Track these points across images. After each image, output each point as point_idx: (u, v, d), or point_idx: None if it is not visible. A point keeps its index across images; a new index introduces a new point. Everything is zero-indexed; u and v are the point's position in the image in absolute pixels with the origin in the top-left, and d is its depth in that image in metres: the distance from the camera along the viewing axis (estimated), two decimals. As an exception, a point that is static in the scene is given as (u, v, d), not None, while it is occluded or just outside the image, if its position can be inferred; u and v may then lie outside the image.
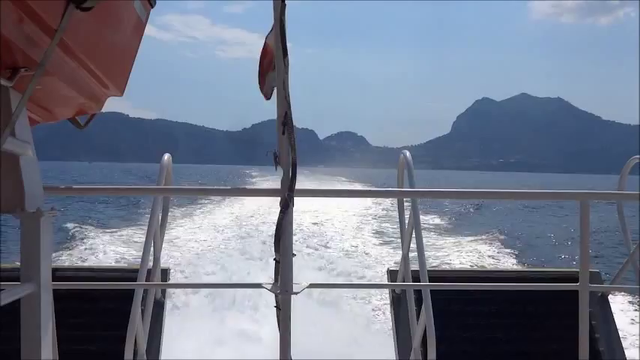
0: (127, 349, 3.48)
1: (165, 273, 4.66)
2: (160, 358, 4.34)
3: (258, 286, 2.78)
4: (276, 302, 2.62)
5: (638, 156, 4.62)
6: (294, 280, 2.63)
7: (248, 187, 3.19)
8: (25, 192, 1.78)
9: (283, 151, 2.54)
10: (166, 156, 4.17)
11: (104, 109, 2.55)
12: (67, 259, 17.71)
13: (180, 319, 10.15)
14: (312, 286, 2.84)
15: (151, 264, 4.11)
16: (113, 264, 16.15)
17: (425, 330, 3.54)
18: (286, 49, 2.41)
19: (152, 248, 4.10)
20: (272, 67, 2.49)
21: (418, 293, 4.03)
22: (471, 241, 24.01)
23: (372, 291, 12.77)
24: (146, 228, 3.98)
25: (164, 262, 4.80)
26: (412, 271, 4.40)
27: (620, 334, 4.77)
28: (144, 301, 3.90)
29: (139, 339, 3.72)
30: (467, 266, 18.12)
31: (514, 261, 20.81)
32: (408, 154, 4.31)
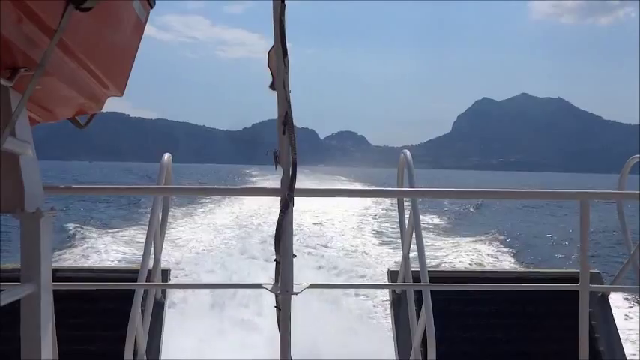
0: (127, 349, 3.48)
1: (165, 273, 4.67)
2: (160, 358, 4.34)
3: (259, 286, 2.79)
4: (276, 302, 2.62)
5: (637, 155, 4.61)
6: (294, 281, 2.63)
7: (248, 187, 3.20)
8: (25, 192, 1.78)
9: (283, 150, 2.54)
10: (166, 156, 4.17)
11: (104, 109, 2.55)
12: (69, 257, 17.78)
13: (181, 319, 10.15)
14: (312, 286, 2.84)
15: (151, 264, 4.11)
16: (113, 264, 16.16)
17: (425, 330, 3.54)
18: (286, 49, 2.41)
19: (152, 248, 4.10)
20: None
21: (418, 293, 4.03)
22: (470, 241, 24.04)
23: (372, 291, 12.77)
24: (146, 228, 3.98)
25: (164, 262, 4.80)
26: (412, 271, 4.40)
27: (620, 334, 4.77)
28: (144, 301, 3.91)
29: (139, 339, 3.72)
30: (466, 266, 18.14)
31: (512, 260, 20.93)
32: (408, 153, 4.31)
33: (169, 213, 4.64)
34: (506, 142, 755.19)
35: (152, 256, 4.16)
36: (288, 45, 2.42)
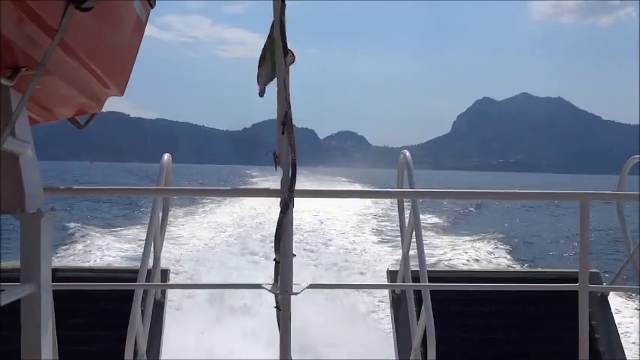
0: (127, 349, 3.48)
1: (165, 273, 4.67)
2: (160, 359, 4.34)
3: (258, 286, 2.79)
4: (276, 302, 2.62)
5: (637, 156, 4.62)
6: (294, 281, 2.63)
7: (248, 187, 3.20)
8: (25, 192, 1.77)
9: (283, 151, 2.54)
10: (166, 156, 4.17)
11: (105, 109, 2.55)
12: (72, 255, 17.92)
13: (181, 319, 10.15)
14: (312, 286, 2.84)
15: (151, 264, 4.11)
16: (116, 262, 16.21)
17: (425, 330, 3.54)
18: (287, 49, 2.41)
19: (152, 248, 4.10)
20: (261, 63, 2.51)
21: (418, 293, 4.03)
22: (468, 240, 24.14)
23: (372, 291, 12.77)
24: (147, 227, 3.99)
25: (165, 262, 4.80)
26: (412, 271, 4.40)
27: (620, 334, 4.77)
28: (144, 301, 3.90)
29: (139, 339, 3.72)
30: (465, 265, 18.20)
31: (510, 257, 21.14)
32: (407, 154, 4.31)
33: (169, 213, 4.64)
34: (506, 141, 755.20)
35: (152, 255, 4.16)
36: (288, 44, 2.42)
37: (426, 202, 35.46)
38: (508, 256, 21.30)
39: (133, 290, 3.70)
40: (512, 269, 15.12)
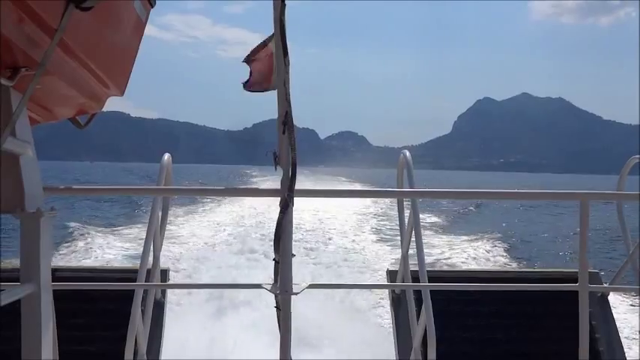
0: (127, 349, 3.48)
1: (165, 273, 4.67)
2: (160, 359, 4.34)
3: (258, 286, 2.79)
4: (276, 302, 2.62)
5: (637, 156, 4.62)
6: (294, 281, 2.63)
7: (248, 187, 3.19)
8: (25, 192, 1.78)
9: (283, 150, 2.54)
10: (166, 156, 4.17)
11: (105, 109, 2.55)
12: (73, 255, 18.05)
13: (181, 315, 10.16)
14: (311, 286, 2.84)
15: (150, 264, 4.11)
16: (117, 261, 16.26)
17: (425, 330, 3.54)
18: (286, 49, 2.41)
19: (152, 248, 4.11)
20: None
21: (418, 293, 4.03)
22: (468, 240, 24.20)
23: (372, 291, 12.78)
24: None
25: (164, 260, 4.80)
26: (412, 271, 4.40)
27: (620, 334, 4.77)
28: (144, 301, 3.90)
29: (139, 339, 3.72)
30: (464, 264, 18.27)
31: (508, 257, 21.20)
32: (407, 154, 4.31)
33: (169, 213, 4.64)
34: (506, 141, 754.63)
35: (152, 255, 4.17)
36: (288, 44, 2.42)
37: (425, 201, 35.56)
38: (506, 256, 21.46)
39: (133, 290, 3.70)
40: (512, 269, 15.14)
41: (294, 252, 2.66)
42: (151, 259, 4.09)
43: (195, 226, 24.57)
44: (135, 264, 5.26)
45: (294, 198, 2.60)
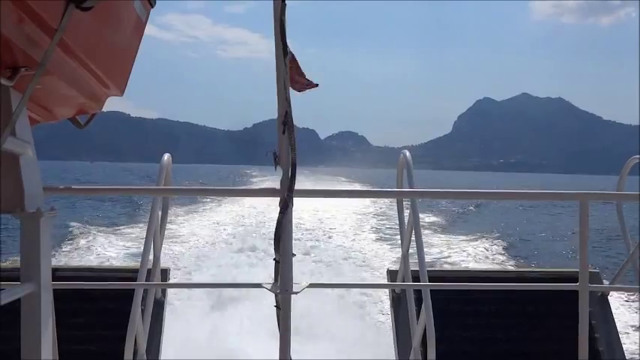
0: (127, 348, 3.49)
1: (165, 273, 4.67)
2: (160, 358, 4.34)
3: (258, 286, 2.79)
4: (276, 302, 2.63)
5: (637, 156, 4.62)
6: (294, 280, 2.63)
7: (247, 187, 3.19)
8: (25, 192, 1.78)
9: (283, 150, 2.54)
10: (166, 156, 4.18)
11: (106, 109, 2.55)
12: (76, 252, 18.19)
13: (181, 318, 10.16)
14: (312, 285, 2.84)
15: (150, 264, 4.12)
16: (114, 264, 16.27)
17: (425, 330, 3.54)
18: (287, 49, 2.41)
19: (152, 248, 4.11)
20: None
21: (418, 293, 4.03)
22: (467, 240, 24.27)
23: (372, 291, 12.78)
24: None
25: (165, 259, 4.81)
26: (412, 270, 4.41)
27: (620, 334, 4.78)
28: (144, 300, 3.91)
29: (139, 339, 3.72)
30: (463, 262, 18.34)
31: (507, 256, 21.30)
32: (407, 154, 4.31)
33: (169, 212, 4.65)
34: (506, 141, 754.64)
35: (152, 255, 4.17)
36: (288, 44, 2.42)
37: (425, 201, 35.64)
38: (505, 254, 21.57)
39: (133, 289, 3.70)
40: (512, 269, 15.14)
41: (294, 252, 2.67)
42: (151, 258, 4.09)
43: (195, 225, 24.65)
44: (135, 263, 5.27)
45: (294, 198, 2.60)
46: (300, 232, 21.57)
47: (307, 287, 2.73)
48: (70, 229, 22.72)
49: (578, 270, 3.17)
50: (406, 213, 4.55)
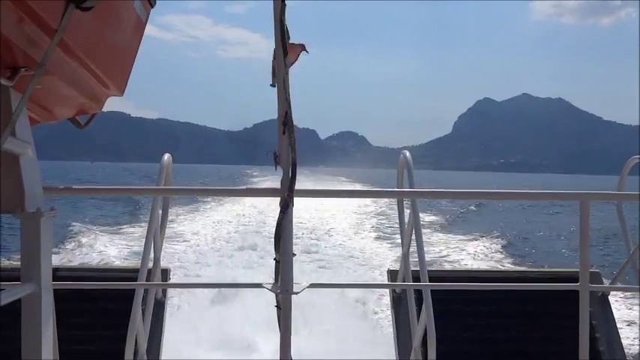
0: (128, 348, 3.49)
1: (165, 273, 4.67)
2: (161, 358, 4.34)
3: (259, 285, 2.79)
4: (277, 302, 2.63)
5: (637, 156, 4.62)
6: (294, 280, 2.63)
7: (248, 187, 3.20)
8: (25, 192, 1.78)
9: (283, 150, 2.54)
10: (166, 156, 4.18)
11: (106, 109, 2.55)
12: (77, 250, 18.28)
13: (181, 319, 10.17)
14: (312, 285, 2.84)
15: (151, 264, 4.12)
16: (114, 264, 16.30)
17: (425, 330, 3.54)
18: (286, 49, 2.41)
19: (152, 248, 4.11)
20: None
21: (418, 293, 4.03)
22: (466, 240, 24.32)
23: (372, 290, 12.78)
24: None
25: (167, 258, 4.81)
26: (412, 270, 4.41)
27: (621, 334, 4.78)
28: (144, 300, 3.91)
29: (139, 339, 3.72)
30: (464, 262, 18.38)
31: (507, 255, 21.39)
32: (407, 154, 4.31)
33: (169, 212, 4.65)
34: (506, 142, 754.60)
35: (152, 255, 4.17)
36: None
37: (425, 201, 35.69)
38: (505, 253, 21.65)
39: (134, 289, 3.70)
40: (512, 269, 15.16)
41: (294, 251, 2.67)
42: (152, 258, 4.09)
43: (196, 224, 24.71)
44: (136, 263, 5.27)
45: (294, 198, 2.60)
46: (301, 232, 21.60)
47: (308, 287, 2.73)
48: (73, 229, 22.81)
49: (578, 270, 3.17)
50: (406, 213, 4.55)
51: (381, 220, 27.66)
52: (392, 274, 5.04)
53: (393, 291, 4.97)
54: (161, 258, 4.38)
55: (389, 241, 21.21)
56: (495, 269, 13.71)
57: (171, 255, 16.41)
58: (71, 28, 1.65)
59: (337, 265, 16.99)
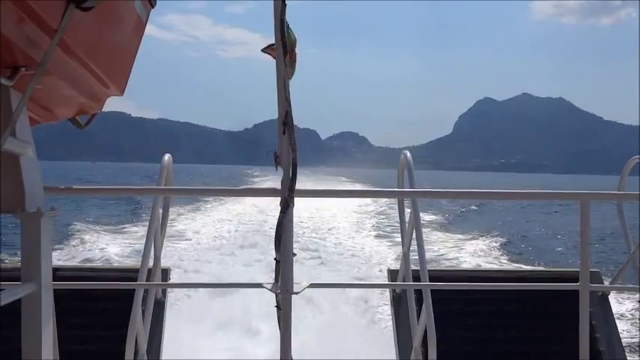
0: (128, 349, 3.48)
1: (165, 273, 4.67)
2: (161, 358, 4.34)
3: (259, 285, 2.79)
4: (277, 302, 2.63)
5: (638, 156, 4.62)
6: (295, 280, 2.63)
7: (248, 187, 3.20)
8: (26, 192, 1.78)
9: (284, 151, 2.54)
10: (167, 156, 4.18)
11: (106, 109, 2.55)
12: (80, 248, 18.40)
13: (181, 318, 10.17)
14: (312, 285, 2.84)
15: (151, 264, 4.11)
16: (114, 264, 16.33)
17: (425, 330, 3.53)
18: (287, 49, 2.41)
19: (153, 248, 4.11)
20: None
21: (418, 293, 4.02)
22: (466, 239, 24.37)
23: (373, 290, 12.78)
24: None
25: (167, 257, 4.81)
26: (412, 270, 4.40)
27: (621, 334, 4.77)
28: (144, 300, 3.90)
29: (139, 339, 3.72)
30: (464, 262, 18.42)
31: (506, 255, 21.48)
32: (408, 154, 4.31)
33: (169, 212, 4.65)
34: (507, 141, 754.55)
35: (152, 255, 4.17)
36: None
37: (425, 201, 35.70)
38: (504, 253, 21.76)
39: (134, 289, 3.70)
40: (512, 268, 15.15)
41: (294, 251, 2.67)
42: (152, 258, 4.09)
43: (197, 224, 24.76)
44: (136, 263, 5.28)
45: (295, 198, 2.60)
46: (301, 231, 21.64)
47: (308, 287, 2.73)
48: (75, 228, 22.92)
49: (578, 270, 3.17)
50: (407, 213, 4.55)
51: (382, 219, 27.69)
52: (392, 274, 5.04)
53: (393, 290, 4.97)
54: (161, 257, 4.38)
55: (388, 240, 21.29)
56: (496, 269, 13.70)
57: (173, 253, 16.47)
58: (71, 28, 1.65)
59: (337, 263, 17.03)
